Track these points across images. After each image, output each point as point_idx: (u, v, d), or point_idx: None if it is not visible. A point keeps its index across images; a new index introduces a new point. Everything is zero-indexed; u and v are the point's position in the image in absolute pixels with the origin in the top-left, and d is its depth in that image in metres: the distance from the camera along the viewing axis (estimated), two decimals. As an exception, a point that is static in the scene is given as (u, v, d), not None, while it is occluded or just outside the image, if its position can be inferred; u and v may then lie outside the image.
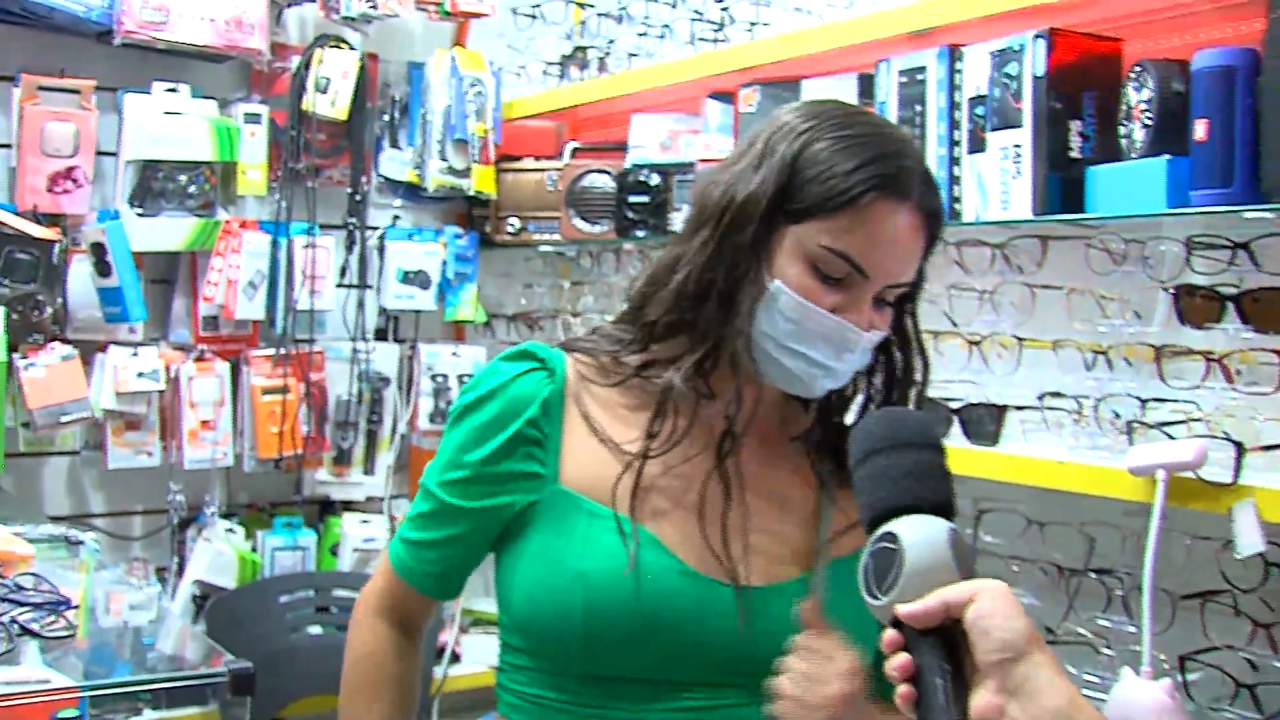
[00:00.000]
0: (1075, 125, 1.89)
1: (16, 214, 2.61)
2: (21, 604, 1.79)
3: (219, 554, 2.85)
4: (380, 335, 3.22)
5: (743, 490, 1.40)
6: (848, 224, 1.31)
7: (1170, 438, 1.78)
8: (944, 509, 1.11)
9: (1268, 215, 1.65)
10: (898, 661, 1.06)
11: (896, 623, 1.07)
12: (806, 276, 1.33)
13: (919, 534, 1.08)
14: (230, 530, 2.92)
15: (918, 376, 1.44)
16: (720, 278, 1.36)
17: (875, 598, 1.09)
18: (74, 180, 2.66)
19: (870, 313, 1.35)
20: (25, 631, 1.77)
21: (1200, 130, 1.69)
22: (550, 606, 1.35)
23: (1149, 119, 1.78)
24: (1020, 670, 1.02)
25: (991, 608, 1.04)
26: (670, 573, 1.34)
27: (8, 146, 2.69)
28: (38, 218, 2.63)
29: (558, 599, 1.34)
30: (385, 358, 3.18)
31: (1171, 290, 1.85)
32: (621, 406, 1.42)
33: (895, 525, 1.09)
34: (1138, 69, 1.81)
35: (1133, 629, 1.91)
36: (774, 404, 1.47)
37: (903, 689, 1.06)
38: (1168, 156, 1.75)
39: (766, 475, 1.44)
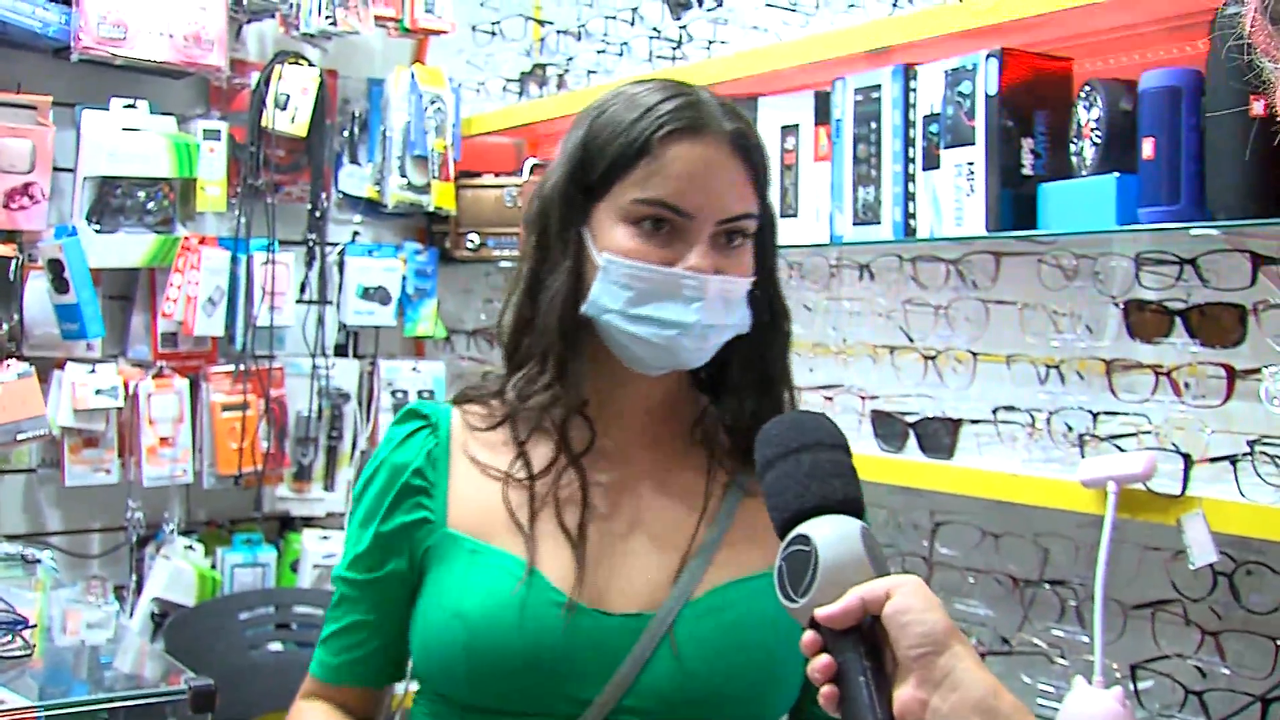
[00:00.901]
0: (1027, 143, 1.93)
1: (-28, 231, 2.59)
2: (-23, 624, 1.78)
3: (178, 571, 2.83)
4: (340, 351, 3.21)
5: (620, 501, 1.38)
6: (647, 171, 1.31)
7: (1121, 450, 1.81)
8: (853, 506, 1.10)
9: (1213, 232, 1.68)
10: (819, 663, 1.05)
11: (814, 624, 1.06)
12: (630, 239, 1.32)
13: (831, 534, 1.07)
14: (189, 547, 2.90)
15: (784, 327, 1.42)
16: (546, 276, 1.36)
17: (792, 600, 1.07)
18: (30, 196, 2.64)
19: (713, 256, 1.31)
20: (-19, 651, 1.76)
21: (1148, 149, 1.72)
22: (438, 646, 1.35)
23: (1098, 137, 1.82)
24: (941, 663, 1.02)
25: (909, 602, 1.03)
26: (548, 606, 1.31)
27: (-37, 163, 2.66)
28: (-7, 234, 2.61)
29: (443, 639, 1.34)
30: (345, 373, 3.17)
31: (1121, 305, 1.88)
32: (503, 445, 1.41)
33: (806, 527, 1.08)
34: (1087, 88, 1.84)
35: (1086, 639, 1.94)
36: (650, 397, 1.42)
37: (825, 689, 1.05)
38: (1117, 174, 1.79)
39: (661, 482, 1.42)
